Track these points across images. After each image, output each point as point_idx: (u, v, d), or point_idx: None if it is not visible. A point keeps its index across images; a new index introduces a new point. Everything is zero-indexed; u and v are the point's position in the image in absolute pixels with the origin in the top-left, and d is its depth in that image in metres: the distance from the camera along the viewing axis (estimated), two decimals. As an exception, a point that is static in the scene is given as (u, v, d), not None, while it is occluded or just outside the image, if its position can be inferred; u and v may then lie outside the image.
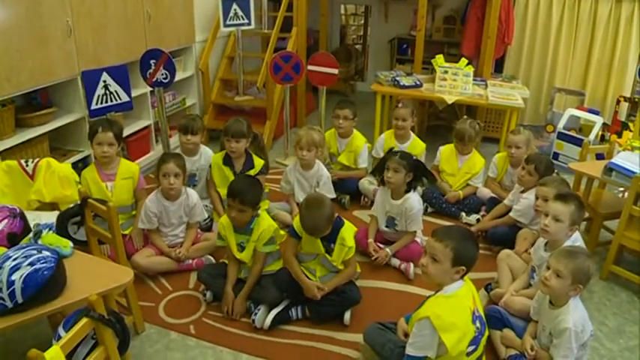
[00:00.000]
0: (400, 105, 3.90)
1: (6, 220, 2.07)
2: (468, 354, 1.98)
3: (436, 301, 2.02)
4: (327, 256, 2.57)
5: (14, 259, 1.72)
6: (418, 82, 4.78)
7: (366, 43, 7.90)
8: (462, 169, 3.83)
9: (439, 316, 1.92)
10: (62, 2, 3.16)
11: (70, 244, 2.06)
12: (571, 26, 5.24)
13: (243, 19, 4.80)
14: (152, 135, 4.36)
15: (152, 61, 3.63)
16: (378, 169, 3.19)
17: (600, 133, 4.74)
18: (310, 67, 4.48)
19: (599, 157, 3.92)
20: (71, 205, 2.50)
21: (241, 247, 2.63)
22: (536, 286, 2.51)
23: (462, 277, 2.03)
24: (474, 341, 1.99)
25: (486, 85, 4.83)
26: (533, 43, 5.42)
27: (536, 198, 2.89)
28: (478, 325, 2.03)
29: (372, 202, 3.48)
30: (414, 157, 3.12)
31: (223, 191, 3.35)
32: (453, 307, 1.97)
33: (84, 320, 1.54)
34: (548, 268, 2.15)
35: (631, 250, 3.12)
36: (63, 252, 1.95)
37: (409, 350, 1.98)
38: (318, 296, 2.50)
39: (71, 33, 3.26)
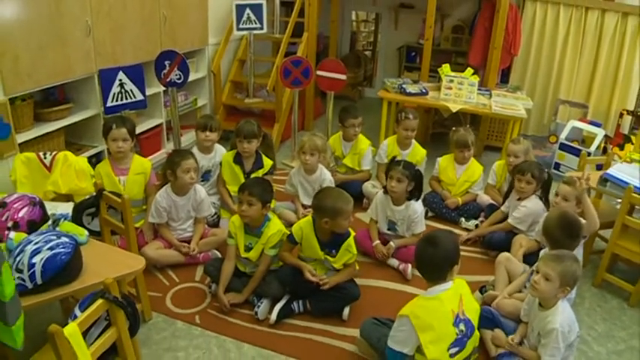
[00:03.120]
0: (411, 117, 3.99)
1: (26, 208, 2.19)
2: (452, 355, 2.08)
3: (418, 301, 2.15)
4: (328, 258, 2.69)
5: (35, 243, 1.85)
6: (424, 90, 4.89)
7: (376, 50, 8.02)
8: (460, 178, 3.91)
9: (417, 316, 2.05)
10: (82, 3, 3.30)
11: (86, 232, 2.19)
12: (577, 39, 5.33)
13: (256, 23, 4.94)
14: (164, 133, 4.50)
15: (167, 62, 3.76)
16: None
17: (603, 145, 4.82)
18: (319, 73, 4.60)
19: (599, 167, 4.01)
20: (86, 197, 2.62)
21: (248, 248, 2.74)
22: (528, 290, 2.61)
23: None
24: (457, 343, 2.09)
25: (490, 94, 4.93)
26: (539, 54, 5.52)
27: (556, 195, 2.95)
28: (462, 327, 2.12)
29: (372, 205, 3.60)
30: (417, 168, 3.23)
31: (233, 188, 3.49)
32: (433, 310, 2.08)
33: (99, 301, 1.66)
34: (537, 272, 2.25)
35: (625, 259, 3.21)
36: (79, 239, 2.08)
37: (389, 342, 2.13)
38: (311, 277, 2.62)
39: (90, 32, 3.40)
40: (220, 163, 3.58)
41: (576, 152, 4.61)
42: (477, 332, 2.22)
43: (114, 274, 1.88)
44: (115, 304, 1.70)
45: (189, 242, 3.11)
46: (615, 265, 3.26)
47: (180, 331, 2.56)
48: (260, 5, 4.89)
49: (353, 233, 2.75)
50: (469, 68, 4.89)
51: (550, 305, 2.24)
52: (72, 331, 1.52)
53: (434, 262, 2.15)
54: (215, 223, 3.49)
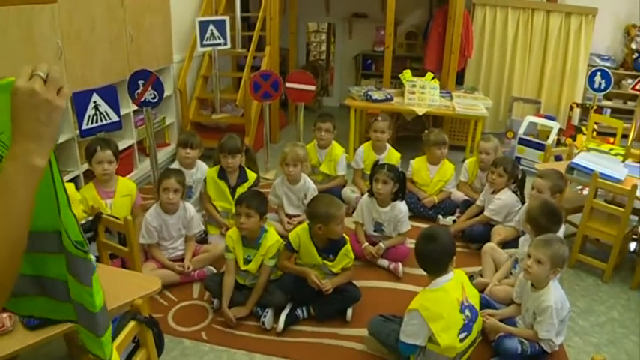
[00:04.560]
0: (380, 119, 4.15)
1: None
2: (462, 340, 2.22)
3: (424, 294, 2.28)
4: (327, 263, 2.78)
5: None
6: (389, 96, 5.07)
7: (330, 59, 8.19)
8: (434, 178, 4.10)
9: (427, 308, 2.18)
10: (53, 25, 3.24)
11: (93, 257, 2.17)
12: (525, 39, 5.69)
13: (220, 39, 4.98)
14: (135, 154, 4.45)
15: (140, 82, 3.74)
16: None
17: (556, 137, 5.15)
18: (288, 85, 4.69)
19: (558, 158, 4.30)
20: (82, 222, 2.59)
21: (247, 261, 2.78)
22: (516, 275, 2.79)
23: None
24: (465, 328, 2.24)
25: (451, 96, 5.17)
26: (491, 55, 5.84)
27: (532, 188, 3.15)
28: (468, 313, 2.27)
29: (354, 210, 3.72)
30: (400, 170, 3.37)
31: (219, 204, 3.52)
32: (440, 300, 2.22)
33: (132, 323, 1.67)
34: (529, 256, 2.43)
35: (593, 240, 3.48)
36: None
37: (401, 337, 2.24)
38: (317, 282, 2.68)
39: (61, 55, 3.35)
40: (204, 180, 3.60)
41: (535, 146, 4.91)
42: (480, 316, 2.36)
43: (131, 296, 1.88)
44: (146, 324, 1.72)
45: (181, 261, 3.11)
46: (585, 246, 3.51)
47: (189, 349, 2.57)
48: (223, 21, 4.93)
49: (348, 238, 2.85)
50: (429, 72, 5.12)
51: (542, 286, 2.42)
52: (115, 358, 1.53)
53: (435, 257, 2.28)
54: (202, 240, 3.50)
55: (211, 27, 4.89)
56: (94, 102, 3.51)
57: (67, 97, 0.89)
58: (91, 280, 1.07)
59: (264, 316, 2.69)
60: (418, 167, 4.15)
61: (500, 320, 2.56)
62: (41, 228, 1.04)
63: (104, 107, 3.56)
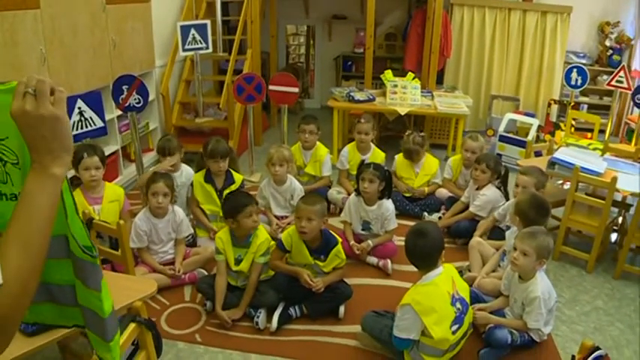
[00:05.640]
0: (363, 120, 4.20)
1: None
2: (454, 332, 2.28)
3: (416, 289, 2.33)
4: (318, 263, 2.81)
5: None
6: (371, 97, 5.13)
7: (309, 62, 8.23)
8: (419, 173, 4.17)
9: (419, 302, 2.23)
10: (36, 31, 3.22)
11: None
12: (503, 38, 5.82)
13: (201, 43, 4.97)
14: (120, 160, 4.42)
15: (124, 87, 3.73)
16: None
17: (535, 133, 5.27)
18: (272, 87, 4.71)
19: (538, 154, 4.40)
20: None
21: (238, 261, 2.80)
22: (504, 268, 2.86)
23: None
24: (457, 320, 2.30)
25: (432, 96, 5.25)
26: (469, 55, 5.95)
27: (516, 185, 3.23)
28: (459, 305, 2.33)
29: (341, 210, 3.77)
30: (386, 168, 3.43)
31: (207, 207, 3.52)
32: (431, 294, 2.28)
33: (132, 325, 1.67)
34: (515, 249, 2.49)
35: (576, 232, 3.57)
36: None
37: (395, 332, 2.29)
38: (309, 282, 2.71)
39: (45, 61, 3.32)
40: (191, 184, 3.59)
41: (515, 142, 5.01)
42: (470, 309, 2.42)
43: (129, 299, 1.89)
44: (146, 326, 1.73)
45: (172, 264, 3.11)
46: (568, 239, 3.60)
47: (184, 352, 2.57)
48: (205, 25, 4.94)
49: (340, 240, 2.88)
50: (410, 73, 5.19)
51: (529, 277, 2.49)
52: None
53: (425, 252, 2.33)
54: (191, 243, 3.49)
55: (193, 31, 4.89)
56: (79, 108, 3.48)
57: (62, 102, 0.89)
58: (100, 285, 1.09)
59: (258, 317, 2.70)
60: (401, 161, 4.21)
61: (490, 312, 2.62)
62: None
63: (89, 113, 3.54)
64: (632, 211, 3.37)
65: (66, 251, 1.09)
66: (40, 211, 0.85)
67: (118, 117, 4.27)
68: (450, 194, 4.11)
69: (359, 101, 5.06)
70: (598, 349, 1.56)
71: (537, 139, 5.41)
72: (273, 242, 2.99)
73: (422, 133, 4.27)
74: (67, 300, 1.17)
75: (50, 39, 3.35)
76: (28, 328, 1.72)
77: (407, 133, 4.21)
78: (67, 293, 1.16)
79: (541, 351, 2.55)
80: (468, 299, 2.43)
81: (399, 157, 4.25)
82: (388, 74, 5.21)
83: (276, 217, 3.73)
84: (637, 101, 4.96)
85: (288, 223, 3.57)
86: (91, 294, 1.11)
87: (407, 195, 4.18)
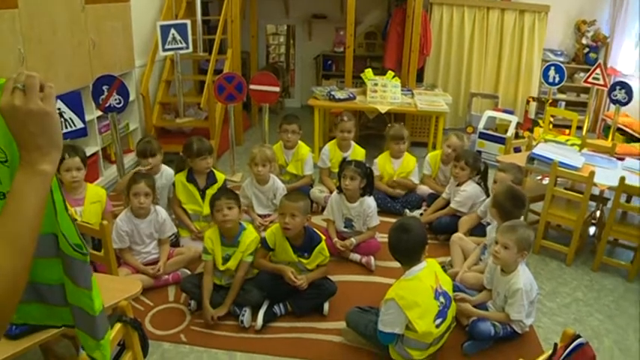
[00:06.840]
0: (345, 118, 4.23)
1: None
2: (437, 326, 2.31)
3: (400, 284, 2.36)
4: (302, 260, 2.82)
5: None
6: (352, 95, 5.16)
7: (290, 61, 8.24)
8: (397, 170, 4.21)
9: (402, 297, 2.26)
10: (13, 30, 3.16)
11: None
12: (482, 36, 5.90)
13: (182, 43, 4.94)
14: (100, 161, 4.37)
15: (105, 87, 3.69)
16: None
17: (514, 130, 5.35)
18: (252, 87, 4.71)
19: (517, 150, 4.48)
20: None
21: (225, 260, 2.80)
22: (485, 262, 2.91)
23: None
24: (440, 314, 2.33)
25: (412, 94, 5.30)
26: (449, 53, 6.03)
27: (494, 182, 3.28)
28: (442, 300, 2.37)
29: (323, 208, 3.79)
30: (367, 165, 3.45)
31: (190, 207, 3.51)
32: (415, 288, 2.31)
33: (118, 325, 1.66)
34: (496, 242, 2.54)
35: (555, 226, 3.64)
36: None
37: (380, 326, 2.32)
38: (293, 279, 2.71)
39: (24, 61, 3.27)
40: (173, 184, 3.56)
41: (495, 139, 5.09)
42: (453, 302, 2.46)
43: (114, 299, 1.87)
44: (132, 326, 1.71)
45: (155, 264, 3.09)
46: (547, 233, 3.67)
47: (169, 352, 2.55)
48: (185, 25, 4.90)
49: (324, 238, 2.90)
50: (390, 71, 5.23)
51: (511, 270, 2.53)
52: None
53: (409, 247, 2.36)
54: (174, 243, 3.47)
55: (173, 31, 4.85)
56: (59, 109, 3.43)
57: (51, 98, 0.88)
58: (91, 283, 1.08)
59: (243, 315, 2.70)
60: (383, 162, 4.24)
61: (473, 306, 2.66)
62: None
63: (69, 114, 3.50)
64: (609, 204, 3.45)
65: (55, 250, 1.09)
66: (28, 208, 0.84)
67: (98, 118, 4.22)
68: (431, 191, 4.16)
69: (339, 100, 5.08)
70: (579, 337, 1.60)
71: (516, 136, 5.49)
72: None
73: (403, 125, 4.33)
74: (56, 300, 1.16)
75: (29, 39, 3.30)
76: (11, 330, 1.70)
77: (389, 125, 4.25)
78: (56, 293, 1.15)
79: (523, 342, 2.60)
80: (451, 293, 2.46)
81: (379, 159, 4.27)
82: (368, 73, 5.24)
83: (259, 215, 3.73)
84: (613, 98, 5.08)
85: (271, 222, 3.58)
86: (81, 292, 1.11)
87: (388, 192, 4.21)
